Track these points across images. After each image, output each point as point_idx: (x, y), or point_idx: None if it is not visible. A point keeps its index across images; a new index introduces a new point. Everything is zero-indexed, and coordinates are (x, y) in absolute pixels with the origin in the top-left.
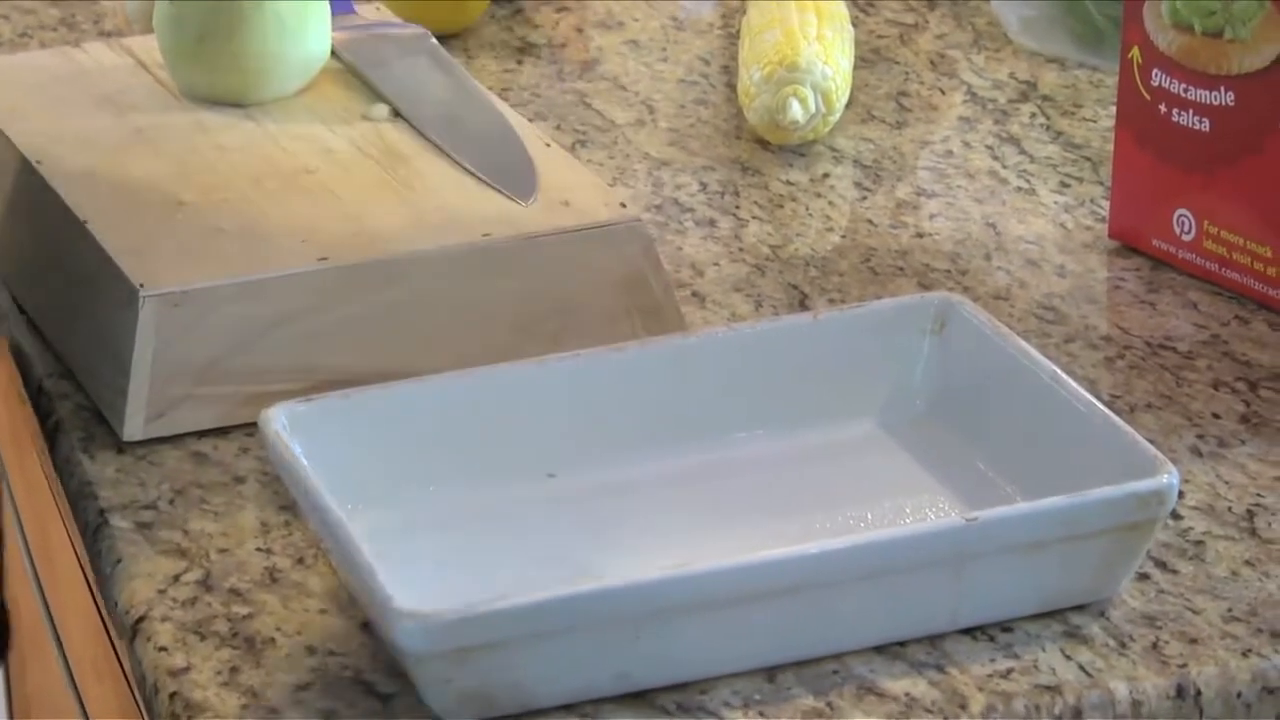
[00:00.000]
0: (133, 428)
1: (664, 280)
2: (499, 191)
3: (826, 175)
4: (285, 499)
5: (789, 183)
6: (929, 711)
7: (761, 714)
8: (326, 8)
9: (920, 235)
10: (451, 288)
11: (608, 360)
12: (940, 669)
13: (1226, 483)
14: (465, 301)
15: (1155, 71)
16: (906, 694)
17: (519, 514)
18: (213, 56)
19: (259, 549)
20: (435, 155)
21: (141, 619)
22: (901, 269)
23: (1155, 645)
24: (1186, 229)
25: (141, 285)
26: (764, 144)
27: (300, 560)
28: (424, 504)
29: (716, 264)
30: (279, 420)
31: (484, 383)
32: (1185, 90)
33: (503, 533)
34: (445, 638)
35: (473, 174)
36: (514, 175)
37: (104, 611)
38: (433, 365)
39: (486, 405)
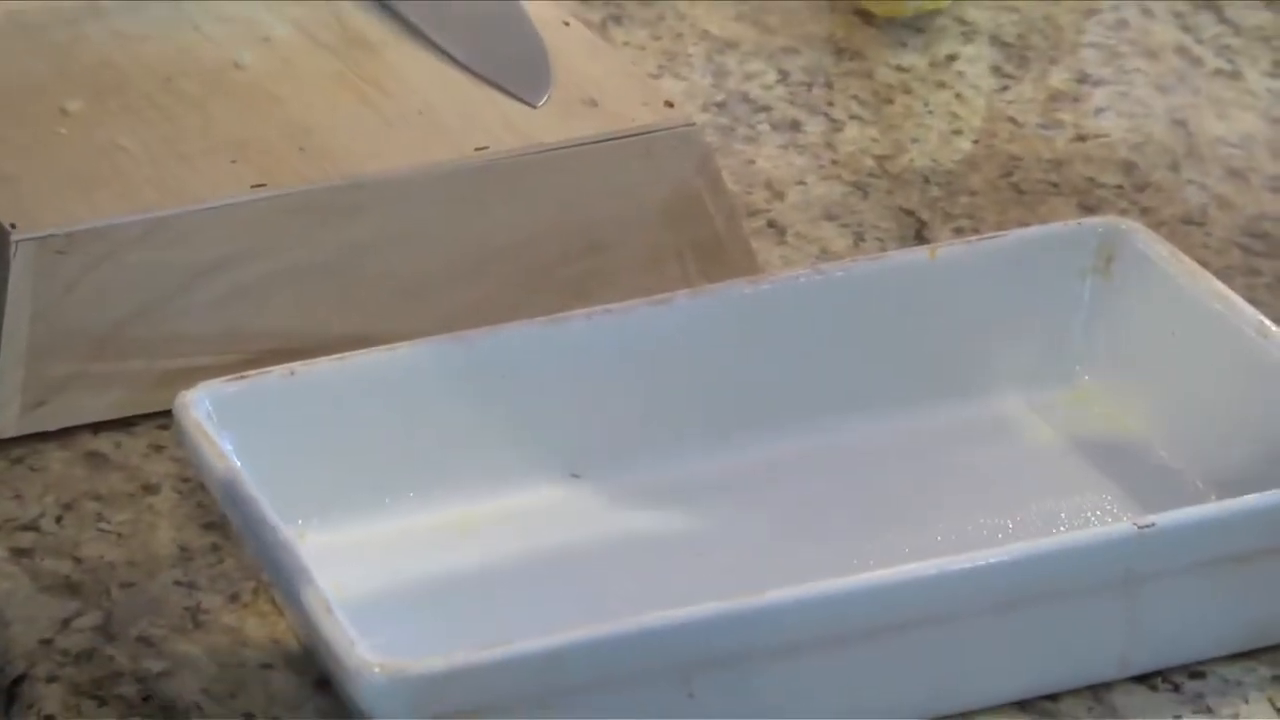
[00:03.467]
0: (4, 420)
1: (728, 206)
2: (500, 89)
3: (953, 58)
4: (212, 514)
5: (901, 69)
6: None
7: None
8: None
9: (1082, 138)
10: (436, 223)
11: (651, 317)
12: None
13: None
14: (454, 241)
15: None
16: None
17: (530, 529)
18: None
19: (178, 583)
20: (413, 42)
21: (21, 679)
22: (1056, 185)
23: None
24: None
25: (13, 225)
26: (866, 16)
27: (234, 597)
28: (401, 518)
29: (801, 182)
30: (202, 406)
31: (481, 350)
32: None
33: (508, 555)
34: (428, 698)
35: (464, 67)
36: (520, 67)
37: None
38: (410, 329)
39: (485, 381)
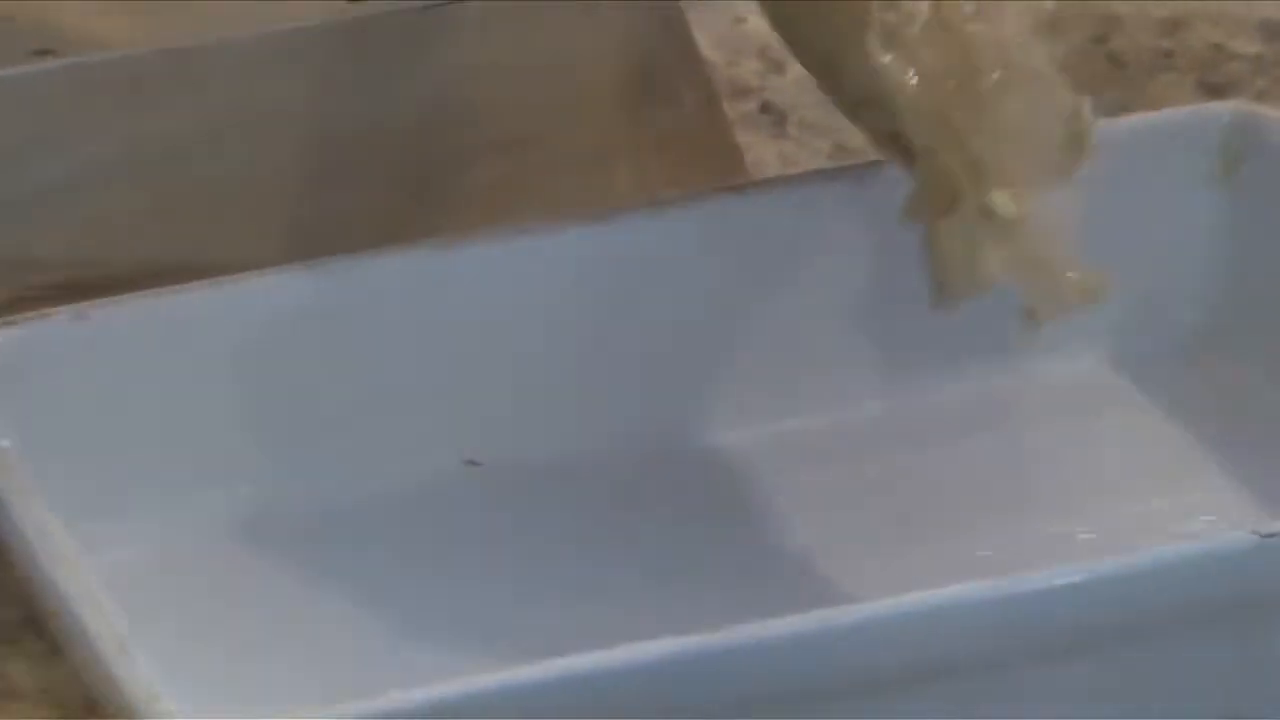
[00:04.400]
0: None
1: (703, 83)
2: None
3: None
4: None
5: None
6: None
7: None
8: None
9: None
10: (285, 106)
11: (589, 240)
12: None
13: None
14: (310, 133)
15: None
16: None
17: (405, 534)
18: None
19: None
20: None
21: None
22: (1168, 56)
23: None
24: None
25: None
26: None
27: None
28: (227, 518)
29: None
30: None
31: (345, 286)
32: None
33: (373, 568)
34: None
35: None
36: None
37: None
38: (247, 254)
39: (350, 330)
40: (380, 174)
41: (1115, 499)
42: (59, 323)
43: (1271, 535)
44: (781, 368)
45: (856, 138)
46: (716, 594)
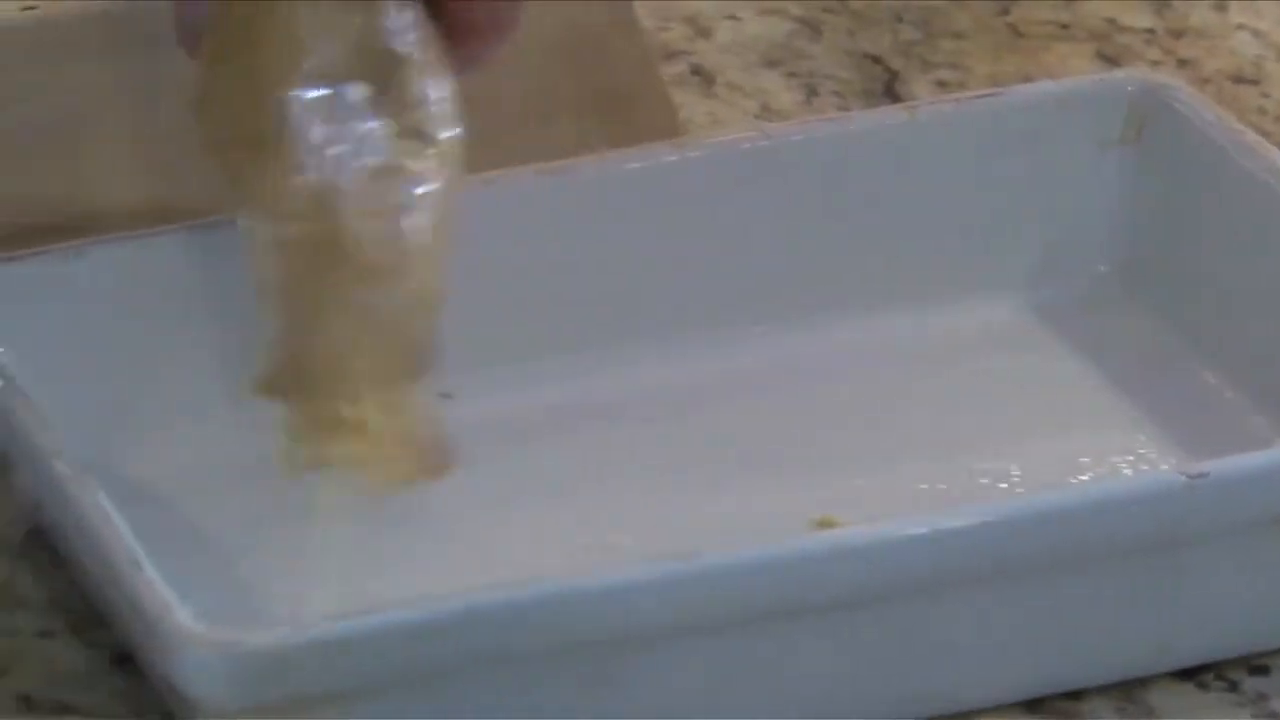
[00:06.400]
0: None
1: (640, 46)
2: None
3: None
4: None
5: None
6: None
7: None
8: None
9: None
10: None
11: (542, 190)
12: None
13: None
14: None
15: None
16: None
17: None
18: None
19: None
20: None
21: None
22: (1065, 28)
23: None
24: None
25: None
26: None
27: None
28: (223, 447)
29: (734, 17)
30: None
31: None
32: None
33: (355, 494)
34: (271, 679)
35: None
36: None
37: None
38: None
39: None
40: None
41: (1038, 439)
42: (55, 258)
43: (1198, 476)
44: (716, 309)
45: (780, 99)
46: (656, 521)
